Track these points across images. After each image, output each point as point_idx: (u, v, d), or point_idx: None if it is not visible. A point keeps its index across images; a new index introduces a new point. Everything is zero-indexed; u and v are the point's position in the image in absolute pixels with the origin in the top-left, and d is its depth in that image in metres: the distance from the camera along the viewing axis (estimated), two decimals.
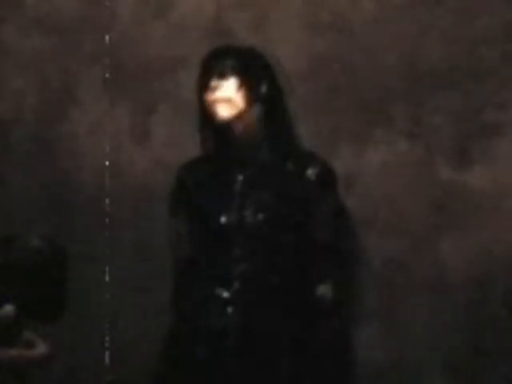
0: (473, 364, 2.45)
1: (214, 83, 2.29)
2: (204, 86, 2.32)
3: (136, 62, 2.78)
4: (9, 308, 1.50)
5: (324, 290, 2.31)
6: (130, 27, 2.80)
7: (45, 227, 2.58)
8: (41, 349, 1.52)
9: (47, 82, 2.87)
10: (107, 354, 2.72)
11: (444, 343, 2.46)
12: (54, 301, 1.61)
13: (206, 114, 2.34)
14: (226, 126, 2.32)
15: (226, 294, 2.28)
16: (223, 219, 2.31)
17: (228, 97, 2.29)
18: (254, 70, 2.34)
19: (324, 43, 2.58)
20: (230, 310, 2.28)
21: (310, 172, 2.33)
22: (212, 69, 2.32)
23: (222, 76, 2.30)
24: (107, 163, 2.78)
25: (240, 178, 2.34)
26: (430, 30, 2.51)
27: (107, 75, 2.79)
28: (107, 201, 2.77)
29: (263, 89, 2.33)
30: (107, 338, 2.73)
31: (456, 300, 2.47)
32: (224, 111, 2.29)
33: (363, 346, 2.51)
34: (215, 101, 2.29)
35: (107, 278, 2.74)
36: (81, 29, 2.83)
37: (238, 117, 2.30)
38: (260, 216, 2.29)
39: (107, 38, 2.78)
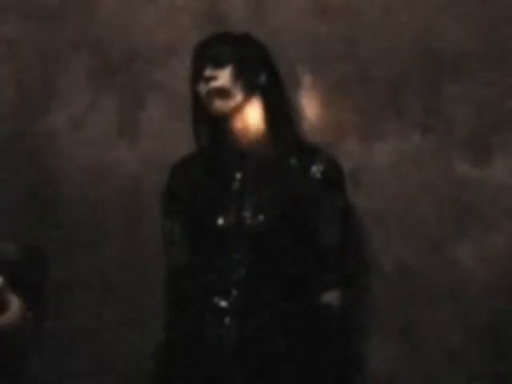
0: (498, 379, 2.39)
1: (208, 73, 2.23)
2: (197, 77, 2.26)
3: (123, 51, 2.72)
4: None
5: (330, 298, 2.25)
6: (115, 12, 2.73)
7: (25, 231, 2.54)
8: (12, 312, 1.53)
9: (25, 73, 2.81)
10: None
11: (465, 356, 2.41)
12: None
13: (200, 106, 2.27)
14: (222, 120, 2.26)
15: (223, 303, 2.21)
16: (220, 221, 2.24)
17: (224, 87, 2.22)
18: (251, 59, 2.27)
19: (329, 29, 2.52)
20: (227, 320, 2.20)
21: (315, 169, 2.26)
22: (206, 57, 2.25)
23: (217, 65, 2.23)
24: (92, 162, 2.74)
25: (238, 176, 2.27)
26: (446, 12, 2.44)
27: (91, 65, 2.75)
28: (93, 203, 2.73)
29: (262, 78, 2.27)
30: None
31: (478, 309, 2.41)
32: (219, 103, 2.22)
33: (375, 360, 2.47)
34: (210, 92, 2.22)
35: (93, 285, 2.71)
36: (62, 14, 2.77)
37: (235, 109, 2.23)
38: (260, 217, 2.22)
39: (91, 24, 2.74)
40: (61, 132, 2.76)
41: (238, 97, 2.22)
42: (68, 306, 2.68)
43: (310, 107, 2.48)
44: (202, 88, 2.23)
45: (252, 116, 2.25)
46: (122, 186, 2.70)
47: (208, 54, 2.25)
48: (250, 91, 2.23)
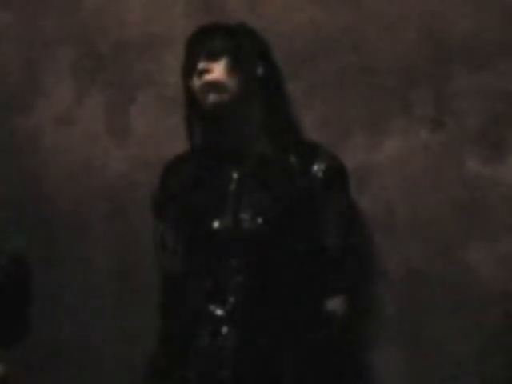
0: None
1: (201, 66, 2.18)
2: (190, 70, 2.22)
3: (111, 43, 2.70)
4: None
5: (334, 304, 2.22)
6: (103, 1, 2.71)
7: (6, 233, 2.47)
8: None
9: (6, 67, 2.80)
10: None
11: (478, 367, 2.35)
12: (16, 323, 1.70)
13: (193, 102, 2.23)
14: (217, 116, 2.21)
15: (219, 312, 2.17)
16: (216, 224, 2.20)
17: (218, 81, 2.18)
18: (248, 50, 2.25)
19: (330, 18, 2.47)
20: (224, 330, 2.15)
21: (316, 168, 2.22)
22: (199, 49, 2.22)
23: (211, 57, 2.19)
24: (79, 161, 2.72)
25: (235, 175, 2.23)
26: None
27: (77, 58, 2.73)
28: (80, 204, 2.72)
29: (259, 71, 2.25)
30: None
31: (491, 316, 2.34)
32: (214, 98, 2.18)
33: (381, 370, 2.41)
34: (203, 86, 2.18)
35: (79, 291, 2.71)
36: (45, 3, 2.76)
37: (231, 104, 2.19)
38: (259, 220, 2.18)
39: (77, 14, 2.72)
40: (45, 130, 2.75)
41: (234, 91, 2.17)
42: (54, 312, 2.67)
43: (310, 102, 2.44)
44: (195, 82, 2.19)
45: (249, 111, 2.21)
46: (110, 187, 2.68)
47: (202, 45, 2.21)
48: (246, 85, 2.19)
